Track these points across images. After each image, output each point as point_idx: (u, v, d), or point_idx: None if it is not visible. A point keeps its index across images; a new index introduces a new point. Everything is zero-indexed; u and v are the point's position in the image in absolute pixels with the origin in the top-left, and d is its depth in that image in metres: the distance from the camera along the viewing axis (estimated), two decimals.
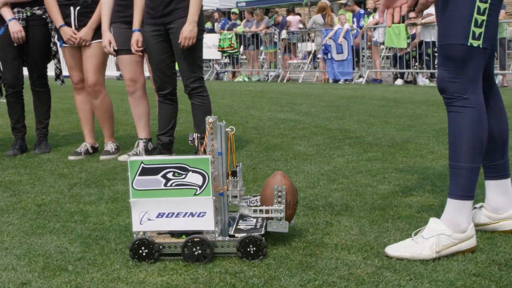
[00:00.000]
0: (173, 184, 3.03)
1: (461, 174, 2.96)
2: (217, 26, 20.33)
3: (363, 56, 16.47)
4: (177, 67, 5.36)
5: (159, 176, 3.03)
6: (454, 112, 2.96)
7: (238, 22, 20.69)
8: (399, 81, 15.67)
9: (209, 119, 3.09)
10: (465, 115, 2.93)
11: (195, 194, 3.03)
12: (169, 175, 3.03)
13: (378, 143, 6.09)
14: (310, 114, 8.56)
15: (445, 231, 2.94)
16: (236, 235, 3.09)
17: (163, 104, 5.43)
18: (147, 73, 5.64)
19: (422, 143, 6.01)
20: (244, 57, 20.17)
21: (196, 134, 3.19)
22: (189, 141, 3.19)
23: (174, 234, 3.13)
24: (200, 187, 3.03)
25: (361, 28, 16.28)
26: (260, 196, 3.27)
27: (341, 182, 4.52)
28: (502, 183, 3.26)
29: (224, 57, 19.89)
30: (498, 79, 13.98)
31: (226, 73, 20.18)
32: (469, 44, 2.87)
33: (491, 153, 3.20)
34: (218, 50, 19.23)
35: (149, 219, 3.06)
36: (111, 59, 19.22)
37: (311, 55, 18.89)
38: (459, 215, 2.98)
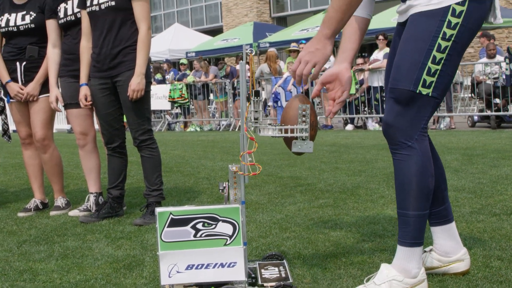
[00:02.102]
0: (203, 235, 2.97)
1: (409, 222, 2.96)
2: (171, 75, 20.35)
3: (313, 102, 16.62)
4: (125, 119, 5.33)
5: (188, 227, 2.96)
6: (400, 160, 2.95)
7: (187, 72, 20.78)
8: (349, 127, 15.86)
9: (233, 167, 3.04)
10: (410, 162, 2.91)
11: (225, 244, 2.98)
12: (199, 226, 2.96)
13: (330, 190, 6.12)
14: (262, 162, 8.56)
15: (396, 277, 2.94)
16: (265, 284, 3.05)
17: (113, 157, 5.39)
18: (97, 126, 5.59)
19: (372, 188, 6.06)
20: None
21: (227, 182, 3.09)
22: (220, 190, 3.12)
23: (202, 286, 3.05)
24: (231, 236, 2.98)
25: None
26: (280, 121, 3.12)
27: (293, 230, 4.52)
28: (447, 227, 3.28)
29: (175, 108, 19.91)
30: (445, 122, 14.23)
31: (178, 123, 20.18)
32: (417, 91, 2.84)
33: (433, 201, 3.21)
34: (169, 101, 19.25)
35: (178, 272, 2.97)
36: (62, 112, 19.14)
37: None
38: (410, 262, 2.98)
